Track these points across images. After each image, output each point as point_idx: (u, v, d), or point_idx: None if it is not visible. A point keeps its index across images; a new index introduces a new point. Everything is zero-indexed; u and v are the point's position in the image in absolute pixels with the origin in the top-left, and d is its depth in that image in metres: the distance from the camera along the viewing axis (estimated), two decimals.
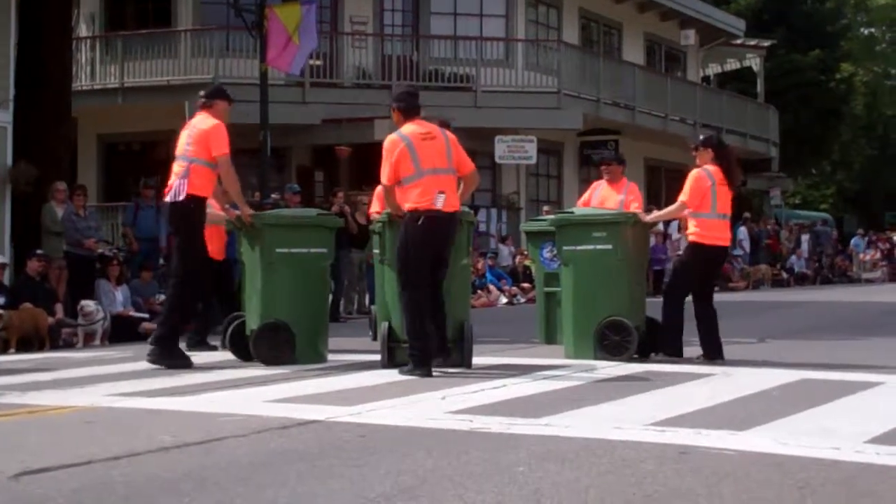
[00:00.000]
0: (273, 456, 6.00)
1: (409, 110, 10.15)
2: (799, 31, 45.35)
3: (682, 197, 11.00)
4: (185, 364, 10.58)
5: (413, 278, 9.85)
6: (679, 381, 9.17)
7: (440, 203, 9.78)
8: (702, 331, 10.89)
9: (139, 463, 5.82)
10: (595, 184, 13.39)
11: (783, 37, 44.10)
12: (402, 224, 9.97)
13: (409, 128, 10.07)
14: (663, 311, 10.98)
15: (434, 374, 9.65)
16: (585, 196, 13.35)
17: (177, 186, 10.64)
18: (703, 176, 10.90)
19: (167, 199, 10.81)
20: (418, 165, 9.87)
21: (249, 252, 11.07)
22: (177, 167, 10.76)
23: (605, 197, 12.79)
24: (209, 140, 10.64)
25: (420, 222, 9.82)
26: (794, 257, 38.21)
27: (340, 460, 5.82)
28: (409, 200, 9.91)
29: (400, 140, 9.99)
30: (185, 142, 10.80)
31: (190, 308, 11.30)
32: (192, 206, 10.67)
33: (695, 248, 11.00)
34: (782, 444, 6.13)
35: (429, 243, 9.86)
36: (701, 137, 11.84)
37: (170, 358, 10.60)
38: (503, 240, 27.81)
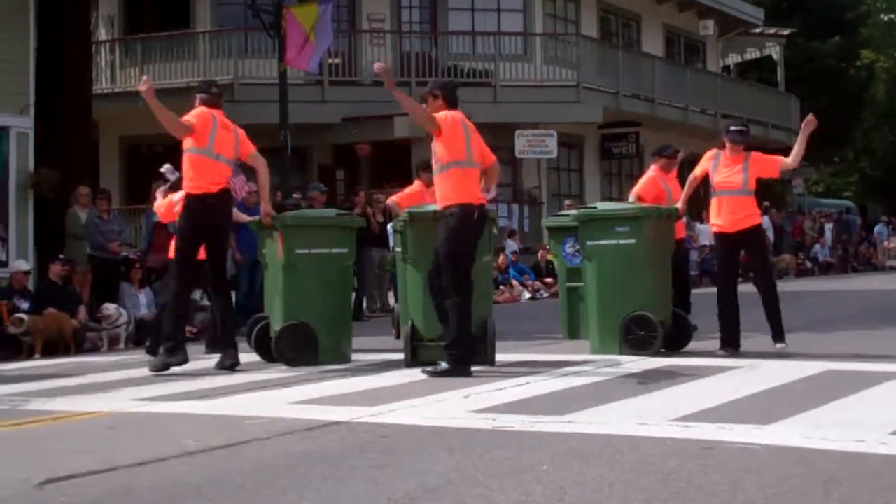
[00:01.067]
0: (297, 458, 6.01)
1: (453, 102, 9.98)
2: (818, 19, 45.11)
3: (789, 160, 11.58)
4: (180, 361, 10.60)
5: (464, 278, 9.64)
6: (703, 375, 9.15)
7: (491, 195, 9.79)
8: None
9: (163, 468, 5.83)
10: (654, 177, 12.95)
11: (802, 24, 43.88)
12: (449, 217, 9.68)
13: (458, 113, 9.91)
14: (774, 301, 11.09)
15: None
16: (653, 188, 12.82)
17: (241, 184, 10.71)
18: None
19: (241, 199, 10.81)
20: (470, 153, 9.80)
21: (271, 252, 11.09)
22: (223, 168, 10.75)
23: (675, 188, 12.75)
24: (245, 139, 10.82)
25: (476, 217, 9.69)
26: (817, 246, 38.03)
27: (364, 461, 5.82)
28: (456, 191, 9.67)
29: (460, 119, 9.83)
30: (233, 143, 10.79)
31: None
32: None
33: (756, 230, 11.37)
34: (807, 438, 6.11)
35: (476, 238, 9.78)
36: (744, 128, 11.83)
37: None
38: (511, 234, 27.72)
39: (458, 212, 9.61)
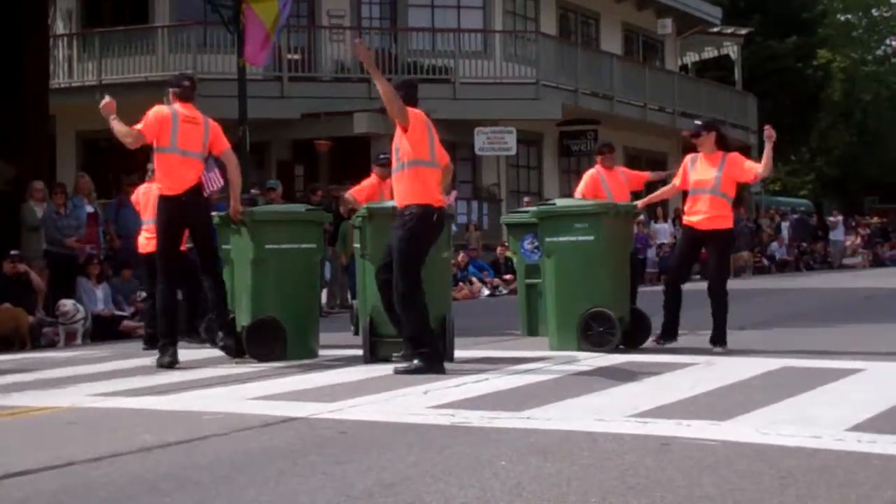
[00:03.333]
0: (255, 454, 5.99)
1: (412, 100, 9.82)
2: (775, 18, 45.41)
3: (757, 169, 11.38)
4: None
5: (416, 275, 9.56)
6: (661, 372, 9.18)
7: (452, 199, 9.74)
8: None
9: (120, 463, 5.80)
10: (592, 173, 13.04)
11: (760, 24, 44.16)
12: (407, 217, 9.56)
13: (423, 113, 9.83)
14: (721, 307, 11.01)
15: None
16: (588, 187, 12.87)
17: (214, 178, 10.61)
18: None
19: (210, 188, 10.69)
20: (433, 153, 9.74)
21: (239, 248, 11.05)
22: (193, 164, 10.64)
23: (621, 185, 12.77)
24: (219, 135, 10.72)
25: (435, 219, 9.60)
26: (774, 244, 38.28)
27: (322, 457, 5.81)
28: (417, 191, 9.56)
29: (424, 118, 9.73)
30: (199, 139, 10.66)
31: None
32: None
33: (727, 233, 11.24)
34: (763, 434, 6.15)
35: (432, 240, 9.74)
36: (699, 122, 11.81)
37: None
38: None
39: (417, 213, 9.50)
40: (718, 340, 10.89)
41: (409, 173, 9.59)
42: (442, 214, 9.73)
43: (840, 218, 41.32)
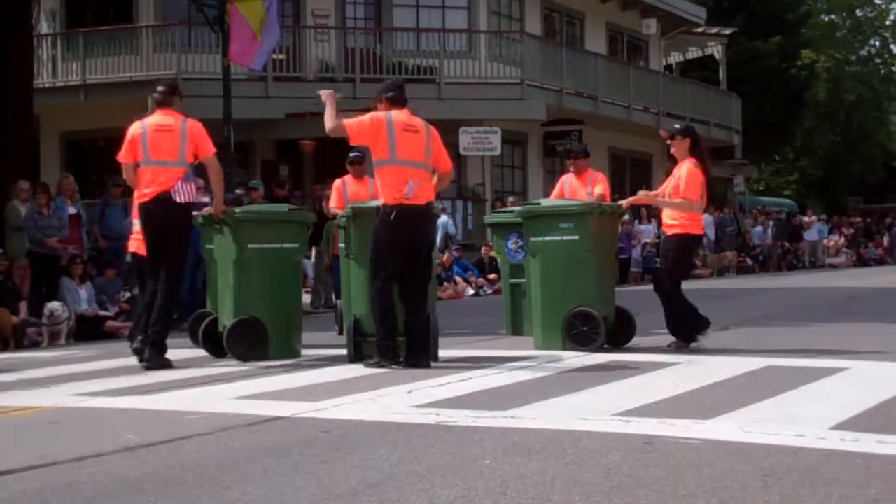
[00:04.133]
0: (239, 454, 5.98)
1: (397, 101, 10.01)
2: (759, 19, 45.50)
3: (689, 195, 10.97)
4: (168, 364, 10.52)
5: (382, 271, 9.79)
6: (645, 371, 9.21)
7: (411, 192, 9.76)
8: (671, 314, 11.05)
9: (105, 463, 5.80)
10: (563, 178, 13.52)
11: (744, 24, 44.25)
12: (376, 218, 9.90)
13: (395, 114, 9.96)
14: (674, 307, 11.00)
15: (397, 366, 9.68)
16: (556, 191, 13.47)
17: (186, 188, 10.49)
18: (699, 172, 11.01)
19: (179, 199, 10.54)
20: (393, 152, 9.81)
21: (221, 248, 11.04)
22: (180, 172, 10.55)
23: (574, 189, 12.99)
24: (201, 141, 10.57)
25: (392, 217, 9.74)
26: (759, 229, 38.56)
27: (306, 457, 5.81)
28: (381, 190, 9.88)
29: (384, 120, 9.91)
30: (174, 146, 10.50)
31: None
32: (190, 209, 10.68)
33: (684, 238, 11.08)
34: (747, 433, 6.16)
35: (400, 238, 9.79)
36: (677, 126, 11.88)
37: (161, 359, 10.54)
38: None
39: (380, 212, 9.86)
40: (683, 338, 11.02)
41: (376, 173, 10.01)
42: (403, 211, 9.75)
43: (814, 218, 41.39)
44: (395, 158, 9.82)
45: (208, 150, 10.64)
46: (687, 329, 10.91)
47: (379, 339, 9.80)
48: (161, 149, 10.50)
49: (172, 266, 10.60)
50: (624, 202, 11.98)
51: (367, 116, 9.96)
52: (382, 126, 9.86)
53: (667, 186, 11.30)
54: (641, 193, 11.91)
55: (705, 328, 11.02)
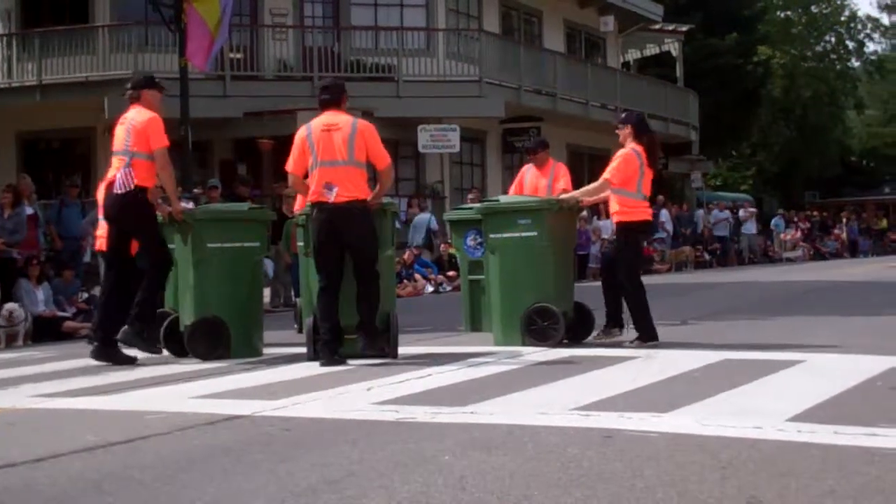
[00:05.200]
0: (198, 452, 5.97)
1: (322, 103, 10.24)
2: (716, 16, 45.75)
3: (606, 174, 11.07)
4: (130, 360, 10.55)
5: (319, 269, 10.06)
6: (603, 365, 9.24)
7: (331, 195, 9.83)
8: (610, 301, 11.11)
9: (63, 464, 5.76)
10: (523, 169, 13.49)
11: (701, 21, 44.49)
12: None
13: (317, 119, 10.16)
14: (627, 298, 11.01)
15: (350, 363, 9.75)
16: (515, 184, 13.45)
17: (122, 178, 10.52)
18: (633, 156, 10.99)
19: (116, 190, 10.58)
20: (315, 157, 9.97)
21: (181, 247, 11.00)
22: (116, 161, 10.66)
23: (535, 182, 12.96)
24: (146, 133, 10.56)
25: (314, 215, 10.05)
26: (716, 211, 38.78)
27: (266, 455, 5.80)
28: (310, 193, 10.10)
29: (304, 133, 10.13)
30: (122, 137, 10.65)
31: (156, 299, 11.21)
32: (141, 197, 10.60)
33: (624, 226, 11.09)
34: (704, 425, 6.20)
35: (325, 236, 9.95)
36: (622, 115, 11.96)
37: (115, 353, 10.56)
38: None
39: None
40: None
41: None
42: (322, 208, 9.95)
43: (753, 211, 41.39)
44: (317, 162, 9.95)
45: (156, 141, 10.66)
46: (645, 325, 10.92)
47: (319, 337, 9.97)
48: (117, 141, 10.76)
49: (121, 256, 10.75)
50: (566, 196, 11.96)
51: (294, 146, 10.20)
52: (304, 140, 10.10)
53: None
54: (562, 195, 11.86)
55: (613, 328, 11.12)
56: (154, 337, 10.84)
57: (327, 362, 9.75)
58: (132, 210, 10.64)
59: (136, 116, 10.73)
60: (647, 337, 10.77)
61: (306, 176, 10.15)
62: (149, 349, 10.67)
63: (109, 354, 10.65)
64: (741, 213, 39.90)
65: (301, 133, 10.17)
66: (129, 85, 11.15)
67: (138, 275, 10.81)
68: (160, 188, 10.89)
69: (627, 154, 11.01)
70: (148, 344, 10.69)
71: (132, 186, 10.50)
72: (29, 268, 16.56)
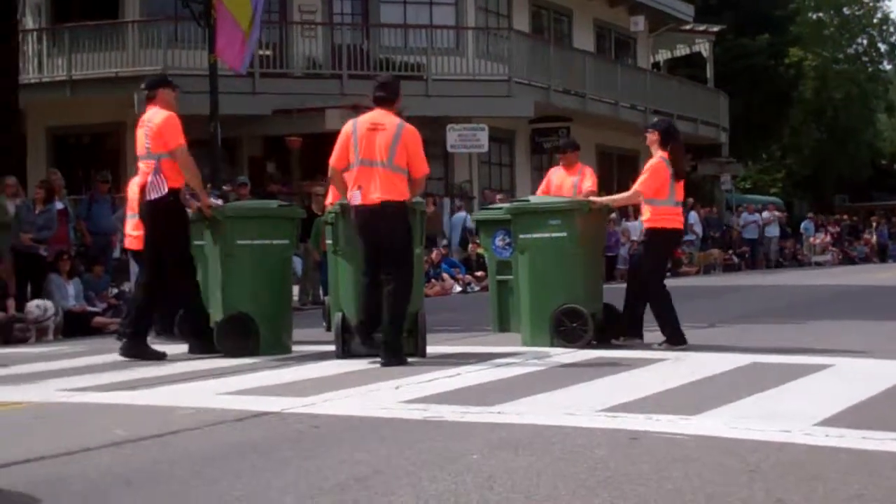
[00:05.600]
0: (227, 449, 6.00)
1: (377, 101, 10.18)
2: (747, 16, 45.60)
3: (638, 186, 11.07)
4: (159, 356, 10.59)
5: (362, 268, 10.05)
6: (632, 367, 9.23)
7: (356, 199, 9.85)
8: (658, 312, 11.00)
9: (92, 458, 5.80)
10: (550, 171, 13.51)
11: (732, 22, 44.33)
12: None
13: (365, 116, 10.14)
14: (652, 304, 10.98)
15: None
16: (543, 185, 13.46)
17: (153, 182, 10.58)
18: (663, 166, 10.97)
19: (149, 196, 10.66)
20: (357, 155, 9.95)
21: (211, 244, 11.05)
22: (144, 166, 10.70)
23: (561, 182, 12.95)
24: (163, 134, 10.61)
25: (352, 217, 10.08)
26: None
27: (294, 452, 5.83)
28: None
29: (350, 129, 10.11)
30: (143, 141, 10.72)
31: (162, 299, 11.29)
32: (174, 199, 10.66)
33: (652, 233, 11.07)
34: (733, 428, 6.19)
35: (360, 235, 9.99)
36: (654, 120, 11.95)
37: (145, 350, 10.61)
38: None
39: None
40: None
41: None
42: (353, 209, 9.98)
43: (777, 214, 40.87)
44: (358, 159, 9.95)
45: (173, 140, 10.68)
46: (672, 329, 10.88)
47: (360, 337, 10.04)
48: (139, 144, 10.89)
49: (152, 260, 10.89)
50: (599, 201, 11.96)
51: (339, 139, 10.25)
52: (349, 136, 10.09)
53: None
54: (592, 198, 11.82)
55: (632, 337, 11.07)
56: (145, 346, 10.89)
57: (369, 351, 9.86)
58: (165, 215, 10.71)
59: (152, 117, 10.78)
60: (676, 341, 10.72)
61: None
62: (153, 357, 10.66)
63: (138, 350, 10.69)
64: (765, 215, 39.67)
65: (347, 128, 10.15)
66: (144, 85, 11.24)
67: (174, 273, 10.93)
68: (187, 186, 10.94)
69: (657, 165, 10.99)
70: (151, 353, 10.72)
71: (165, 191, 10.55)
72: (59, 263, 16.64)
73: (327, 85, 27.90)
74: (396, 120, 10.05)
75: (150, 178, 10.60)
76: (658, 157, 11.05)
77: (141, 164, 10.81)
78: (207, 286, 11.27)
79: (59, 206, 17.77)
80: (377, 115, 10.08)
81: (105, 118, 27.60)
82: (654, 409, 6.92)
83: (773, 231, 39.53)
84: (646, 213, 11.11)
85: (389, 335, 9.79)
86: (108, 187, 19.89)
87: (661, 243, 11.14)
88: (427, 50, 29.50)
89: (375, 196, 9.81)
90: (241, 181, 19.23)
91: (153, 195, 10.59)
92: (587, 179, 12.94)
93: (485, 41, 31.26)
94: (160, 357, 10.63)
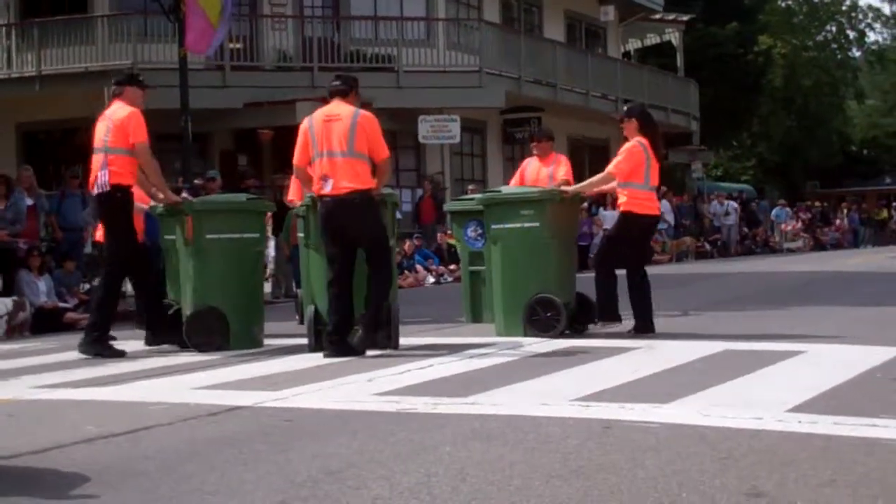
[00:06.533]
0: (200, 443, 5.98)
1: (330, 90, 10.26)
2: (717, 5, 45.72)
3: (612, 168, 11.08)
4: (117, 354, 10.56)
5: (328, 262, 10.07)
6: (604, 356, 9.25)
7: (327, 188, 9.85)
8: (635, 301, 10.97)
9: (64, 454, 5.78)
10: (524, 162, 13.46)
11: (701, 10, 44.44)
12: None
13: (320, 110, 10.19)
14: (596, 279, 11.03)
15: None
16: (516, 176, 13.34)
17: (100, 178, 10.60)
18: (639, 150, 10.98)
19: (94, 191, 10.72)
20: (316, 148, 9.97)
21: (181, 238, 11.02)
22: (96, 159, 10.72)
23: (536, 173, 12.91)
24: (126, 129, 10.58)
25: (317, 208, 10.10)
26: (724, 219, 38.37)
27: (268, 446, 5.82)
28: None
29: (307, 125, 10.15)
30: (102, 133, 10.76)
31: (118, 297, 11.26)
32: (119, 196, 10.62)
33: (627, 217, 11.08)
34: (705, 416, 6.21)
35: (328, 228, 9.98)
36: (626, 108, 11.95)
37: (101, 348, 10.57)
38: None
39: None
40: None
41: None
42: (323, 201, 10.00)
43: (730, 203, 40.66)
44: (318, 152, 9.98)
45: (136, 136, 10.67)
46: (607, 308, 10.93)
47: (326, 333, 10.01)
48: (97, 137, 10.84)
49: (112, 252, 10.83)
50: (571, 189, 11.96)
51: (298, 137, 10.23)
52: (306, 131, 10.13)
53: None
54: (564, 187, 11.80)
55: (610, 321, 11.00)
56: (106, 340, 10.84)
57: (330, 353, 9.74)
58: (108, 210, 10.72)
59: (116, 111, 10.80)
60: (644, 328, 10.80)
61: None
62: (112, 354, 10.61)
63: (99, 348, 10.65)
64: (725, 204, 39.43)
65: (304, 125, 10.17)
66: (114, 80, 11.25)
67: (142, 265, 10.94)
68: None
69: (632, 147, 11.01)
70: (110, 350, 10.68)
71: (108, 187, 10.55)
72: (30, 258, 16.56)
73: (298, 78, 27.82)
74: (351, 109, 10.07)
75: (99, 173, 10.62)
76: (635, 140, 11.06)
77: (94, 157, 10.80)
78: (178, 280, 11.26)
79: (28, 202, 17.67)
80: (332, 106, 10.13)
81: (75, 113, 27.40)
82: (626, 397, 6.93)
83: (731, 220, 39.35)
84: (622, 196, 11.11)
85: (368, 322, 9.87)
86: (78, 182, 19.75)
87: (635, 228, 11.11)
88: (398, 42, 29.44)
89: (342, 185, 9.83)
90: (210, 175, 19.15)
91: (97, 190, 10.62)
92: (561, 167, 12.91)
93: (455, 32, 31.23)
94: (119, 355, 10.57)
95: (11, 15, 29.28)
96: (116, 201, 10.65)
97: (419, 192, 29.46)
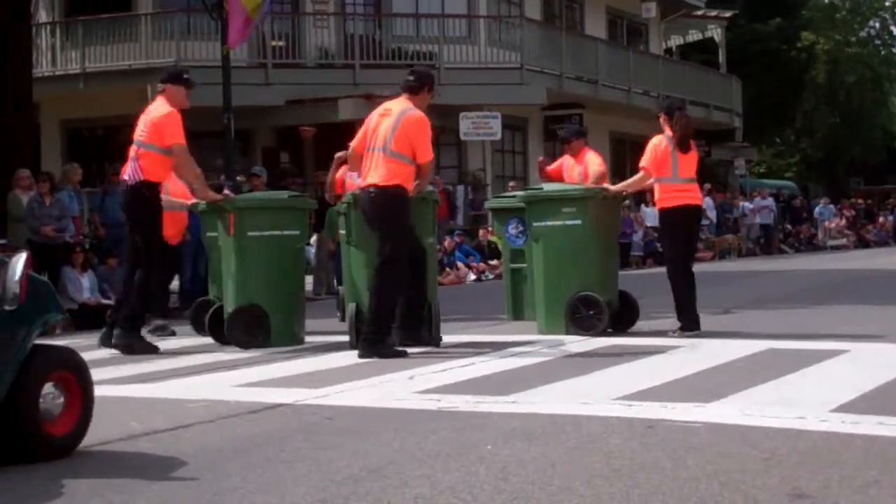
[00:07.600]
0: (241, 441, 6.00)
1: (403, 85, 10.29)
2: (759, 1, 45.44)
3: (642, 163, 11.03)
4: (152, 350, 10.62)
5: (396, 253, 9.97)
6: (647, 355, 9.22)
7: (355, 182, 9.92)
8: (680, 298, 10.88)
9: (107, 451, 5.81)
10: (561, 159, 13.39)
11: (744, 6, 44.19)
12: None
13: (386, 102, 10.26)
14: (673, 287, 10.88)
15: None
16: (556, 163, 13.16)
17: (130, 171, 10.69)
18: (658, 142, 10.93)
19: (126, 181, 10.80)
20: (369, 139, 10.01)
21: (223, 236, 11.07)
22: (132, 152, 10.79)
23: (570, 172, 12.87)
24: (161, 128, 10.63)
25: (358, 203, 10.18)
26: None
27: (308, 443, 5.83)
28: None
29: (373, 113, 10.21)
30: (140, 127, 10.81)
31: (150, 294, 11.29)
32: (144, 191, 10.67)
33: (663, 213, 11.02)
34: (748, 416, 6.17)
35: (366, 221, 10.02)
36: (663, 104, 11.92)
37: (135, 343, 10.64)
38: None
39: None
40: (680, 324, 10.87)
41: None
42: (358, 197, 10.07)
43: (769, 201, 40.13)
44: (368, 144, 10.02)
45: (172, 137, 10.72)
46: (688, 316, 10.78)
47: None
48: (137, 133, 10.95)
49: (141, 245, 10.95)
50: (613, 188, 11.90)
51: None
52: (368, 121, 10.17)
53: None
54: (606, 185, 11.72)
55: (689, 329, 10.69)
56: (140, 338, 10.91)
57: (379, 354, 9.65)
58: (135, 204, 10.77)
59: (156, 108, 10.85)
60: (689, 327, 10.65)
61: None
62: (145, 350, 10.68)
63: (131, 341, 10.73)
64: (756, 202, 38.94)
65: (371, 113, 10.26)
66: (162, 77, 11.35)
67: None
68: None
69: (653, 140, 10.98)
70: (145, 344, 10.76)
71: (138, 180, 10.61)
72: (72, 256, 16.66)
73: (340, 75, 27.87)
74: (404, 106, 10.02)
75: (129, 165, 10.71)
76: (660, 135, 11.01)
77: (131, 150, 10.87)
78: (220, 277, 11.32)
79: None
80: (393, 101, 10.13)
81: (118, 110, 27.46)
82: (669, 397, 6.90)
83: (766, 218, 38.72)
84: (656, 194, 11.07)
85: (369, 329, 9.73)
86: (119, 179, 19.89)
87: (672, 222, 11.00)
88: (439, 39, 29.43)
89: (366, 180, 9.87)
90: (255, 171, 19.19)
91: (129, 181, 10.71)
92: (589, 166, 12.78)
93: (497, 29, 31.19)
94: (153, 350, 10.65)
95: (56, 13, 29.50)
96: (141, 197, 10.70)
97: (460, 189, 29.43)
